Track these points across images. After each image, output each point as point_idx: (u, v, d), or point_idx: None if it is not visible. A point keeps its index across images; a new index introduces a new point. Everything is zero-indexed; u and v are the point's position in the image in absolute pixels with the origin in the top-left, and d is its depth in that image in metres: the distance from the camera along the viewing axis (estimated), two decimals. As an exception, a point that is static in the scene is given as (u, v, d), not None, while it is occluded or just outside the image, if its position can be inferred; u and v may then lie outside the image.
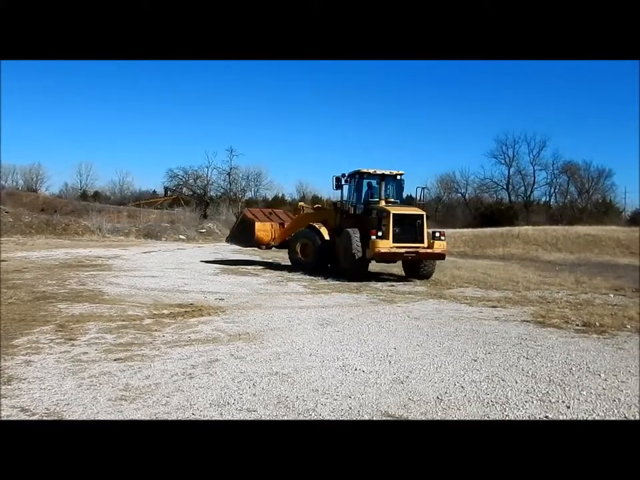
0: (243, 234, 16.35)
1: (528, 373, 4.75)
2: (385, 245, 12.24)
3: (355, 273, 12.66)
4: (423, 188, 14.97)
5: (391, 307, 8.63)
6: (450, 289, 11.32)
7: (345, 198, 14.17)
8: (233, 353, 5.30)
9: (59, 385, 4.14)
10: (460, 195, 66.18)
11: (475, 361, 5.13)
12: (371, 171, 13.84)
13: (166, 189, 60.25)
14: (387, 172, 13.97)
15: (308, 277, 12.92)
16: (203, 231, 41.45)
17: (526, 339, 6.15)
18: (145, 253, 20.32)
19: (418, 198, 14.84)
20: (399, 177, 14.23)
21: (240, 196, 61.16)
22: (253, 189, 65.78)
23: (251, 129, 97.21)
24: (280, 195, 69.12)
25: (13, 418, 3.63)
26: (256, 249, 17.71)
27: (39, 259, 14.74)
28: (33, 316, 6.78)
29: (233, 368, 4.73)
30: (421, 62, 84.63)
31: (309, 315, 7.61)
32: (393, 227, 12.36)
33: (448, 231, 38.66)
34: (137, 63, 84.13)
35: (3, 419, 3.64)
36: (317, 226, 14.46)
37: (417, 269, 13.19)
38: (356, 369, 4.74)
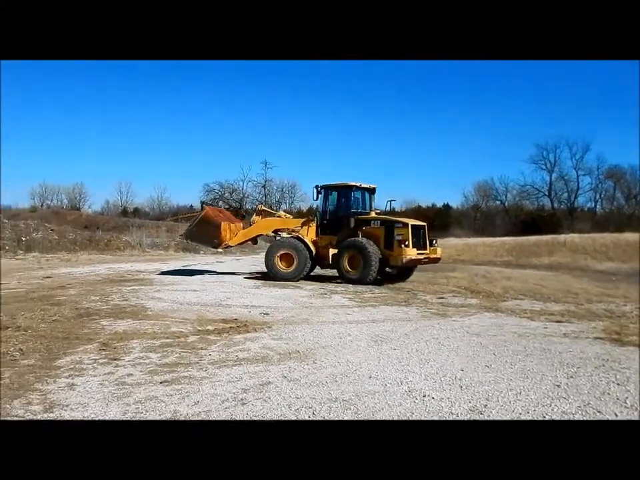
0: (205, 233, 15.09)
1: (626, 403, 4.14)
2: (412, 253, 13.39)
3: (371, 281, 13.28)
4: (392, 200, 15.81)
5: (446, 321, 8.09)
6: (505, 301, 10.68)
7: (329, 208, 14.67)
8: (285, 374, 4.90)
9: (103, 412, 3.82)
10: (499, 202, 64.55)
11: (557, 386, 4.56)
12: (358, 184, 14.64)
13: (202, 203, 60.88)
14: (373, 185, 15.07)
15: (352, 288, 12.50)
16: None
17: (607, 359, 5.52)
18: (185, 267, 20.25)
19: (387, 209, 16.17)
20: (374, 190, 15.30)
21: (275, 208, 61.28)
22: (287, 201, 65.91)
23: (284, 140, 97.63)
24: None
25: (13, 418, 3.64)
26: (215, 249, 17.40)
27: (82, 275, 14.76)
28: (77, 334, 6.56)
29: (287, 392, 4.33)
30: (451, 65, 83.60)
31: (360, 330, 7.16)
32: (412, 236, 13.45)
33: (488, 240, 38.08)
34: (172, 81, 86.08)
35: (2, 419, 3.66)
36: (300, 235, 14.48)
37: (407, 273, 14.74)
38: (425, 395, 4.26)
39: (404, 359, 5.56)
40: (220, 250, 16.14)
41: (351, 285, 13.20)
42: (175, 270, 17.32)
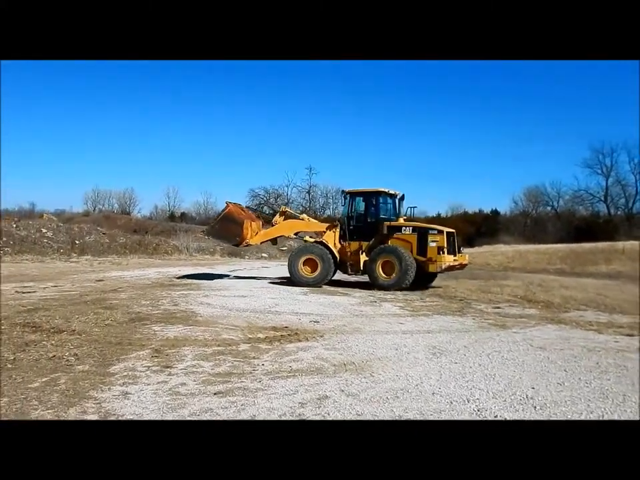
0: (227, 230, 14.93)
1: None
2: (450, 259, 13.74)
3: (406, 287, 13.30)
4: (414, 207, 15.61)
5: (506, 333, 7.67)
6: (566, 312, 10.12)
7: (356, 213, 14.63)
8: (343, 387, 4.66)
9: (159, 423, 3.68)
10: (550, 207, 62.42)
11: (644, 409, 4.16)
12: (387, 190, 14.64)
13: (248, 208, 61.50)
14: (401, 193, 15.06)
15: (402, 296, 12.17)
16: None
17: (695, 378, 5.05)
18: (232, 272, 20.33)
19: (409, 215, 15.66)
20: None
21: (319, 213, 61.30)
22: (331, 207, 65.82)
23: (329, 146, 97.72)
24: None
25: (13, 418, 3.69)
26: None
27: (132, 278, 14.99)
28: (129, 339, 6.53)
29: (347, 408, 4.09)
30: (497, 64, 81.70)
31: (415, 341, 6.85)
32: (447, 243, 13.62)
33: (540, 247, 36.81)
34: (214, 92, 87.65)
35: (2, 419, 3.69)
36: (324, 241, 14.40)
37: (431, 279, 14.79)
38: (496, 416, 3.94)
39: (467, 374, 5.23)
40: (242, 247, 15.89)
41: (400, 293, 12.88)
42: (193, 274, 17.29)
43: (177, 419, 3.79)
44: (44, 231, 25.48)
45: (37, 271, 16.70)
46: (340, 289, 13.42)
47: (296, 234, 15.86)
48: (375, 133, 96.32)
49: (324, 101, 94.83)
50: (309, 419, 3.83)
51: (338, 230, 14.62)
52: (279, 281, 15.28)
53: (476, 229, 58.84)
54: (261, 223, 16.12)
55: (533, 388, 4.71)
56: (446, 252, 13.46)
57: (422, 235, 13.65)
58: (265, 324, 7.95)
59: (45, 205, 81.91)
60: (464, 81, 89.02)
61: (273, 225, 15.80)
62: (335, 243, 14.44)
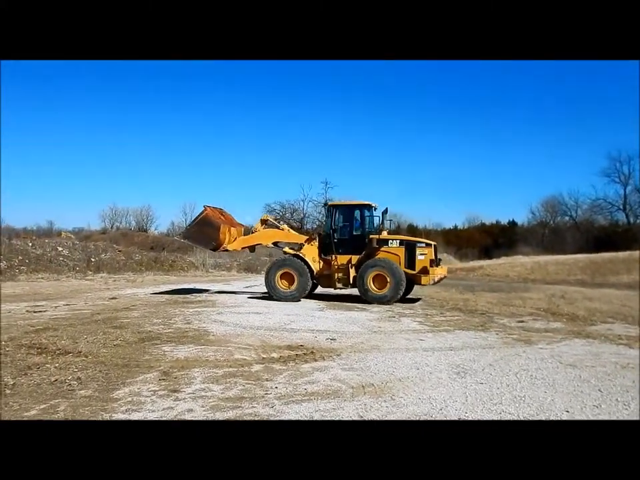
0: (203, 234, 14.41)
1: None
2: (441, 271, 14.17)
3: (396, 300, 13.22)
4: (391, 220, 15.61)
5: (532, 349, 7.26)
6: (593, 325, 9.66)
7: (339, 226, 14.28)
8: (362, 413, 4.31)
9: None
10: (569, 217, 61.35)
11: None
12: (374, 204, 14.49)
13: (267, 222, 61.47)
14: (383, 207, 14.71)
15: (420, 311, 11.79)
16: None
17: None
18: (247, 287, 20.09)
19: (389, 228, 15.59)
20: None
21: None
22: (348, 220, 65.40)
23: (344, 159, 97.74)
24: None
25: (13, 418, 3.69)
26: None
27: (146, 296, 14.80)
28: (137, 360, 6.27)
29: (366, 437, 3.75)
30: (510, 73, 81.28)
31: (437, 359, 6.48)
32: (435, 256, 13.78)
33: (559, 257, 36.09)
34: (234, 107, 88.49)
35: (2, 419, 3.72)
36: (301, 254, 14.07)
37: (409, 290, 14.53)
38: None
39: (494, 395, 4.86)
40: (218, 250, 15.41)
41: (419, 307, 12.52)
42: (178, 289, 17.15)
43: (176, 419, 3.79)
44: (60, 249, 25.51)
45: (51, 289, 16.61)
46: (357, 305, 13.06)
47: (275, 244, 15.62)
48: (390, 145, 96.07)
49: (340, 113, 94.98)
50: (310, 419, 3.84)
51: (316, 243, 14.42)
52: (260, 295, 14.97)
53: (493, 240, 58.12)
54: (242, 229, 15.74)
55: (568, 411, 4.33)
56: (438, 264, 13.90)
57: (410, 248, 13.64)
58: (280, 342, 7.65)
59: (63, 223, 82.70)
60: (480, 91, 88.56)
61: (252, 232, 15.54)
62: (314, 257, 14.19)
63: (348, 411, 4.35)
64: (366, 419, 3.74)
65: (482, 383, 5.31)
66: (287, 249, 14.81)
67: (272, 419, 4.13)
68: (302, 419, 4.15)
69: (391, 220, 15.18)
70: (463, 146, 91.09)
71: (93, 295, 14.73)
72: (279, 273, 13.87)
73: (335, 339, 7.93)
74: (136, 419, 3.74)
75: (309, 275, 13.73)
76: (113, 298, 13.92)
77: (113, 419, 3.68)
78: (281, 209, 60.68)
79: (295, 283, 13.73)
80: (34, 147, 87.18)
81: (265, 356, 6.64)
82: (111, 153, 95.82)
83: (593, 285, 22.79)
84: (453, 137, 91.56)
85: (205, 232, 14.36)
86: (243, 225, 16.14)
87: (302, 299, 13.83)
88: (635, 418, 4.14)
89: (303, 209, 60.46)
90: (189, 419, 3.69)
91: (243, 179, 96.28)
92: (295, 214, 61.06)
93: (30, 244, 24.71)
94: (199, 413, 4.29)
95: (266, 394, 4.90)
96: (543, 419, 4.14)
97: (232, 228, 14.97)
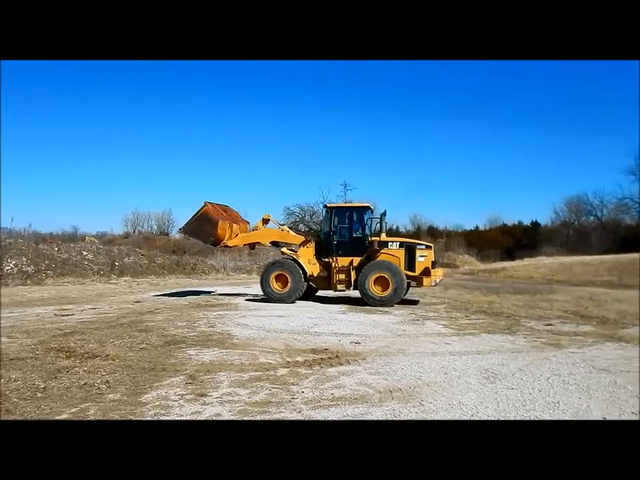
0: (202, 230, 14.62)
1: None
2: (440, 273, 14.27)
3: (397, 302, 13.31)
4: (386, 223, 15.40)
5: (562, 353, 7.10)
6: (624, 328, 9.43)
7: (339, 228, 14.28)
8: (390, 419, 4.25)
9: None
10: (594, 217, 60.18)
11: None
12: (372, 206, 14.84)
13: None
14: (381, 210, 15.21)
15: (445, 314, 11.64)
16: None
17: None
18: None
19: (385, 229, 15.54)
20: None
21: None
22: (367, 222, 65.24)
23: (364, 161, 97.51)
24: (394, 227, 68.09)
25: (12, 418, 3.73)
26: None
27: (170, 299, 14.91)
28: (163, 364, 6.29)
29: (397, 444, 3.69)
30: (530, 71, 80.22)
31: (465, 364, 6.37)
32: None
33: (585, 258, 35.43)
34: (257, 109, 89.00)
35: (2, 419, 3.75)
36: (296, 256, 14.24)
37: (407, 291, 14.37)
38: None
39: (527, 401, 4.75)
40: (218, 246, 15.64)
41: (443, 310, 12.38)
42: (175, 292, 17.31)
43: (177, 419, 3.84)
44: (84, 253, 25.90)
45: (77, 293, 16.84)
46: (381, 308, 12.96)
47: (273, 244, 15.78)
48: (409, 145, 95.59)
49: (360, 115, 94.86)
50: (310, 419, 3.90)
51: (312, 245, 14.50)
52: (254, 298, 14.93)
53: (516, 241, 57.35)
54: (247, 226, 15.84)
55: (605, 418, 4.20)
56: (437, 266, 14.08)
57: (410, 250, 13.78)
58: (304, 346, 7.61)
59: (87, 227, 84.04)
60: (504, 89, 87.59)
61: (253, 230, 15.66)
62: (309, 259, 14.28)
63: (377, 417, 4.29)
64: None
65: (513, 389, 5.20)
66: (284, 250, 14.99)
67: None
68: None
69: (386, 222, 15.10)
70: (485, 145, 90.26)
71: (117, 299, 14.89)
72: (274, 274, 14.03)
73: (359, 343, 7.87)
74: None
75: (302, 277, 13.80)
76: (137, 301, 14.05)
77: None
78: (300, 212, 60.73)
79: (289, 285, 13.86)
80: (60, 153, 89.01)
81: (289, 360, 6.61)
82: (133, 157, 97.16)
83: (620, 286, 22.25)
84: (474, 135, 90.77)
85: (203, 227, 14.61)
86: (249, 223, 16.23)
87: (311, 301, 13.92)
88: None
89: (322, 211, 60.40)
90: (188, 419, 3.77)
91: (264, 182, 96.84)
92: (314, 216, 61.05)
93: (56, 249, 25.13)
94: (227, 418, 4.27)
95: (293, 398, 4.87)
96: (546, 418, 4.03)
97: (234, 224, 15.12)
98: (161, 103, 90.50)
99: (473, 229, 64.61)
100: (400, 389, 5.18)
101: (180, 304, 13.59)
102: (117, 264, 25.84)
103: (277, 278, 14.00)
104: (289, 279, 13.85)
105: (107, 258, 26.26)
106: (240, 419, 4.21)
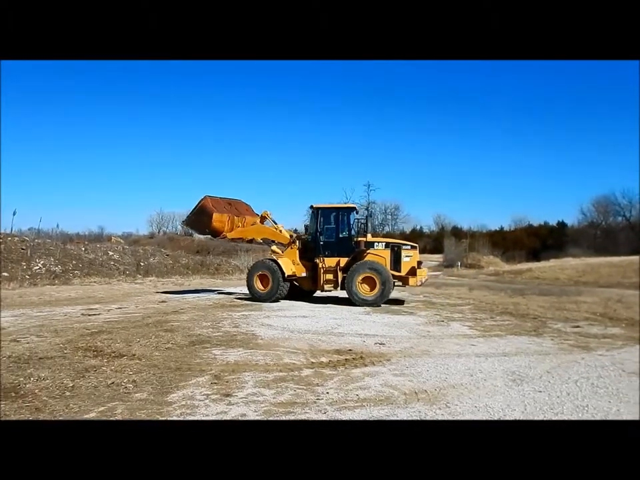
0: (200, 222, 15.20)
1: None
2: (426, 273, 14.48)
3: (383, 302, 13.35)
4: (366, 223, 15.45)
5: (590, 355, 6.96)
6: (655, 330, 9.19)
7: (325, 229, 14.43)
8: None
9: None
10: (622, 217, 58.84)
11: None
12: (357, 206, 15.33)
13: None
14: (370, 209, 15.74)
15: (470, 315, 11.52)
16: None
17: None
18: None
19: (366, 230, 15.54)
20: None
21: (378, 230, 60.62)
22: (390, 223, 65.06)
23: (387, 162, 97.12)
24: (418, 227, 67.72)
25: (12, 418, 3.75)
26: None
27: (194, 299, 15.05)
28: (189, 364, 6.35)
29: (423, 446, 3.66)
30: (556, 70, 78.84)
31: (491, 366, 6.29)
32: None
33: (613, 259, 34.65)
34: (283, 109, 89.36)
35: (2, 419, 3.75)
36: (275, 257, 14.45)
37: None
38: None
39: (555, 405, 4.66)
40: (216, 238, 16.37)
41: (468, 311, 12.24)
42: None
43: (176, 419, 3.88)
44: (111, 253, 26.33)
45: (103, 292, 17.12)
46: (404, 308, 12.89)
47: (264, 240, 16.11)
48: (433, 146, 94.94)
49: (383, 114, 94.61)
50: (310, 419, 3.95)
51: (296, 246, 14.66)
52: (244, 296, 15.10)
53: (541, 242, 56.46)
54: (255, 220, 16.00)
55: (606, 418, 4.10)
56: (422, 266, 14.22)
57: (395, 250, 13.96)
58: (328, 346, 7.60)
59: (112, 227, 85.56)
60: (530, 91, 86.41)
61: (252, 225, 15.91)
62: (293, 259, 14.47)
63: (402, 419, 4.26)
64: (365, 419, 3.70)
65: (540, 391, 5.11)
66: (274, 248, 15.19)
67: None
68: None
69: (365, 223, 15.22)
70: (511, 145, 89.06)
71: (143, 299, 15.09)
72: (257, 274, 14.32)
73: (383, 344, 7.83)
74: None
75: (281, 277, 13.96)
76: (162, 301, 14.22)
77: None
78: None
79: (269, 285, 14.07)
80: (87, 154, 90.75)
81: (314, 360, 6.61)
82: (158, 158, 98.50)
83: (650, 287, 21.74)
84: (500, 136, 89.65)
85: (200, 219, 15.12)
86: (258, 217, 16.36)
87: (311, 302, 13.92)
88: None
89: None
90: (189, 419, 3.81)
91: (286, 182, 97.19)
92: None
93: (83, 249, 25.60)
94: (252, 418, 4.29)
95: (317, 399, 4.87)
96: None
97: (235, 217, 15.44)
98: (191, 103, 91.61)
99: (497, 229, 63.80)
100: (425, 391, 5.14)
101: (204, 304, 13.71)
102: (142, 264, 26.21)
103: (260, 278, 14.29)
104: (269, 279, 14.07)
105: (132, 258, 26.66)
106: (265, 419, 4.23)
